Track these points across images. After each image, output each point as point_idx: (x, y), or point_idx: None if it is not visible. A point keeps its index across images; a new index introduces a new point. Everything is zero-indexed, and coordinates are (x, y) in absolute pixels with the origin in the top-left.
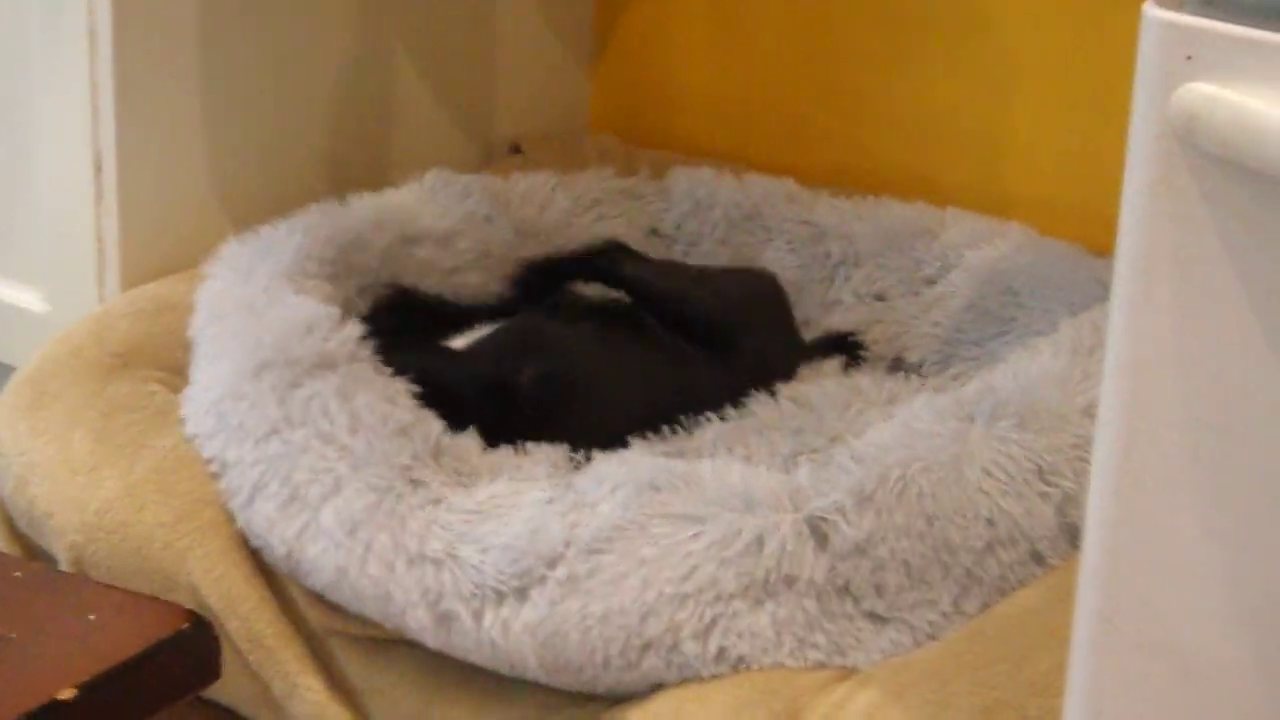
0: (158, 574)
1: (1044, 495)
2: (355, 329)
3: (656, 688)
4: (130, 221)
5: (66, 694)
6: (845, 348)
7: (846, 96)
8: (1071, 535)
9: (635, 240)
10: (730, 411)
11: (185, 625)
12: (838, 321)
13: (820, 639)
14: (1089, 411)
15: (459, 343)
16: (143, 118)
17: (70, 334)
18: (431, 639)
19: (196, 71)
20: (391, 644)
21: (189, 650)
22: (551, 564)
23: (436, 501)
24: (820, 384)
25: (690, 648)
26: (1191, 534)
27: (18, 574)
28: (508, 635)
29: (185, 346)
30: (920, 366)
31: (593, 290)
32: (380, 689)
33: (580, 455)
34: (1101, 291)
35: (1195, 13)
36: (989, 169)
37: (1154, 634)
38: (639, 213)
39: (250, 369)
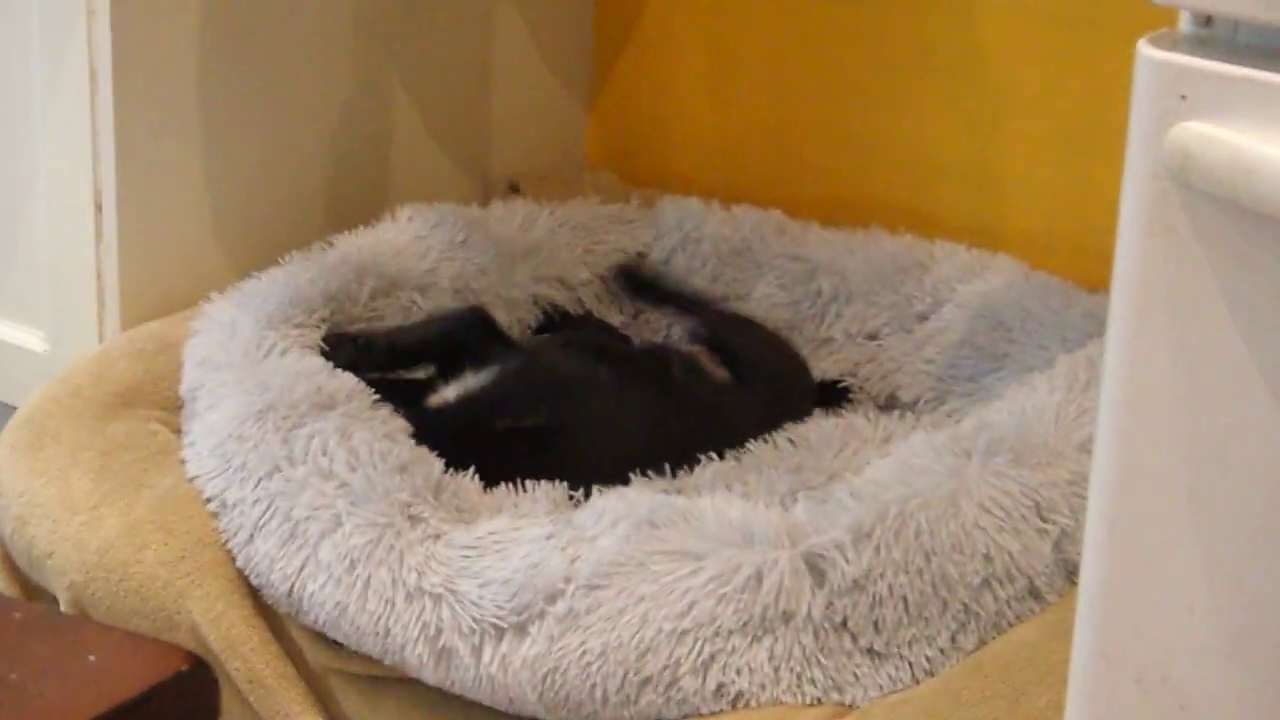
0: (158, 614)
1: (1041, 531)
2: (350, 378)
3: None
4: (130, 260)
5: None
6: (834, 396)
7: (840, 132)
8: (1069, 571)
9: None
10: (728, 451)
11: (185, 666)
12: (830, 361)
13: (818, 675)
14: (1085, 447)
15: (459, 386)
16: (142, 158)
17: (70, 373)
18: (431, 675)
19: (196, 112)
20: (391, 682)
21: (188, 691)
22: (551, 599)
23: (435, 537)
24: (817, 423)
25: (689, 684)
26: (1188, 569)
27: (18, 615)
28: (507, 671)
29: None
30: (915, 404)
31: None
32: None
33: (579, 494)
34: (1094, 327)
35: (1190, 52)
36: (980, 203)
37: (1151, 669)
38: (628, 239)
39: (254, 412)
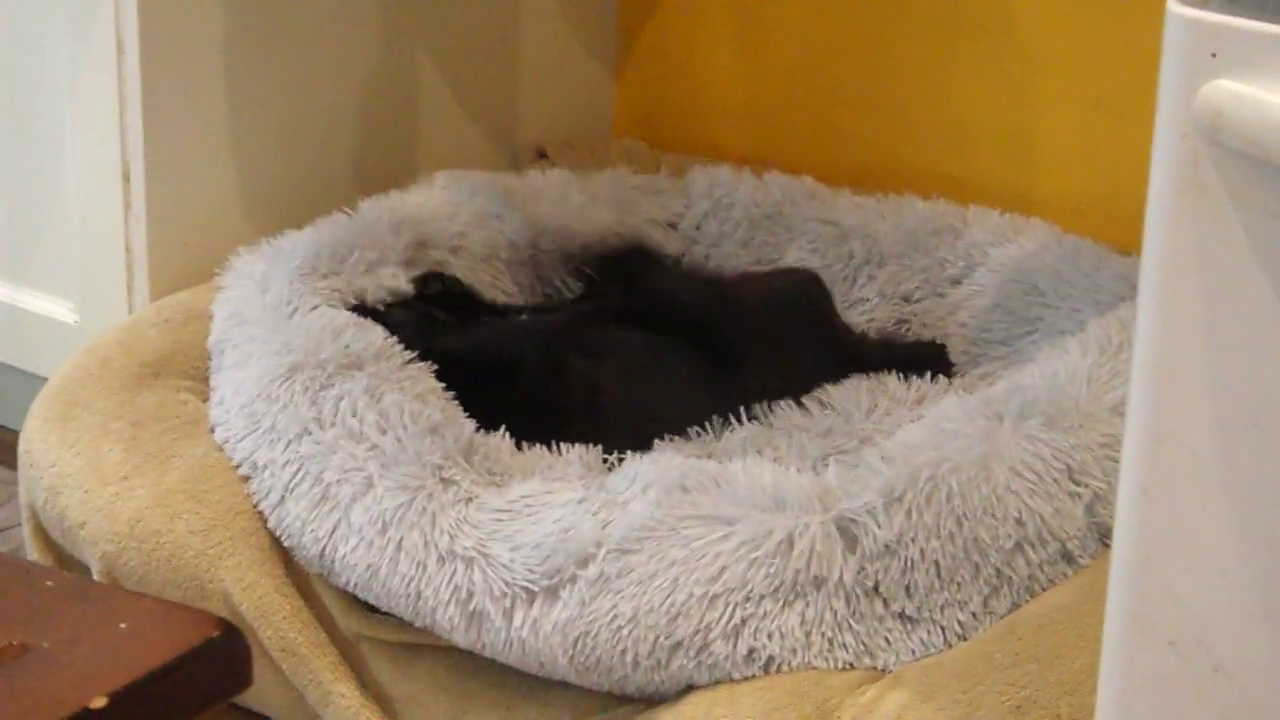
0: (190, 583)
1: (1073, 495)
2: (380, 332)
3: (687, 688)
4: (158, 231)
5: (99, 702)
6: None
7: (870, 98)
8: (1102, 534)
9: (655, 236)
10: (760, 414)
11: (216, 633)
12: (863, 325)
13: (849, 640)
14: (1118, 410)
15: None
16: (170, 128)
17: (99, 344)
18: (462, 638)
19: (222, 82)
20: (423, 650)
21: (220, 658)
22: (582, 563)
23: (468, 500)
24: (847, 386)
25: (720, 648)
26: (1221, 532)
27: (50, 583)
28: (538, 635)
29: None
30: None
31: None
32: (412, 694)
33: (613, 457)
34: (1127, 289)
35: (1219, 10)
36: (1012, 167)
37: (1185, 632)
38: (659, 209)
39: (281, 372)
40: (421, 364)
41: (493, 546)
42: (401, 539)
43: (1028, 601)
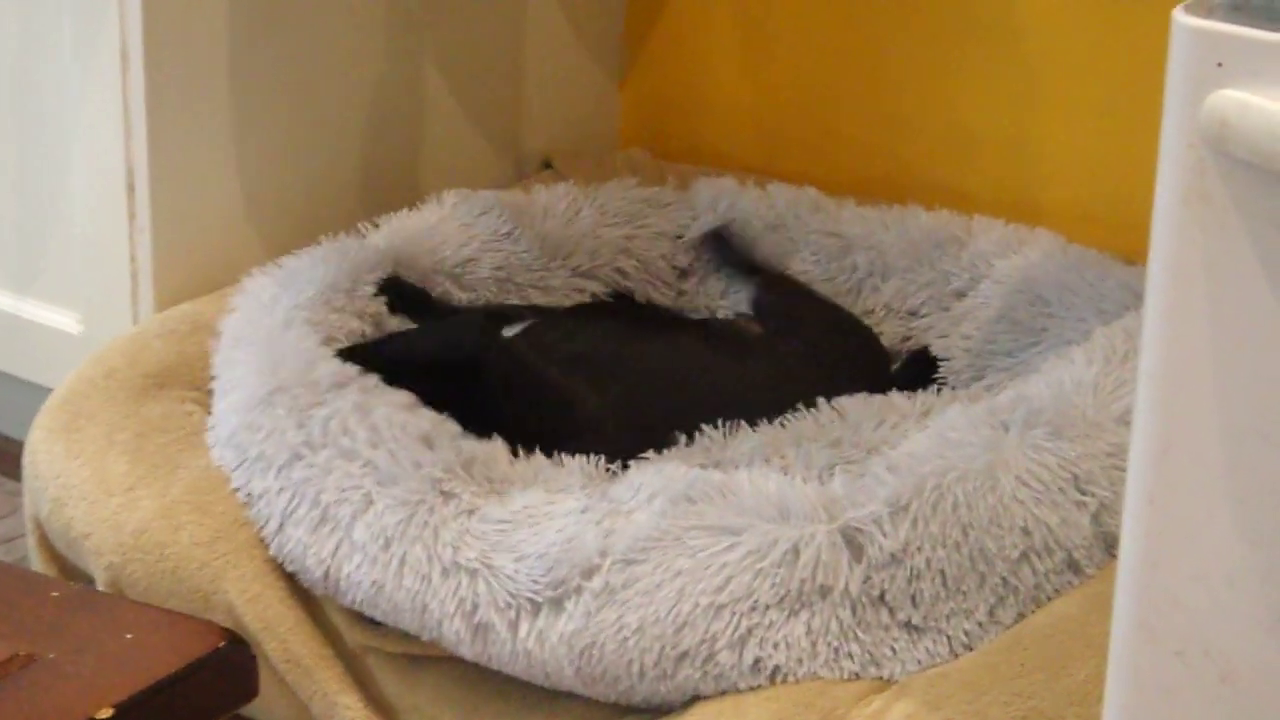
0: (195, 594)
1: (1079, 504)
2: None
3: (693, 698)
4: (163, 241)
5: (104, 713)
6: (924, 366)
7: (875, 107)
8: (1108, 543)
9: (663, 250)
10: (765, 424)
11: (222, 644)
12: None
13: (855, 649)
14: (1123, 419)
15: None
16: (175, 138)
17: (104, 355)
18: (468, 650)
19: (227, 91)
20: (428, 661)
21: (226, 668)
22: (587, 574)
23: (469, 512)
24: (855, 397)
25: (726, 658)
26: (1228, 541)
27: (56, 594)
28: (543, 646)
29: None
30: (954, 380)
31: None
32: (417, 706)
33: (615, 466)
34: (1132, 299)
35: (1225, 19)
36: (1017, 177)
37: (1192, 641)
38: (666, 222)
39: (261, 397)
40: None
41: (496, 558)
42: (405, 554)
43: (1034, 611)
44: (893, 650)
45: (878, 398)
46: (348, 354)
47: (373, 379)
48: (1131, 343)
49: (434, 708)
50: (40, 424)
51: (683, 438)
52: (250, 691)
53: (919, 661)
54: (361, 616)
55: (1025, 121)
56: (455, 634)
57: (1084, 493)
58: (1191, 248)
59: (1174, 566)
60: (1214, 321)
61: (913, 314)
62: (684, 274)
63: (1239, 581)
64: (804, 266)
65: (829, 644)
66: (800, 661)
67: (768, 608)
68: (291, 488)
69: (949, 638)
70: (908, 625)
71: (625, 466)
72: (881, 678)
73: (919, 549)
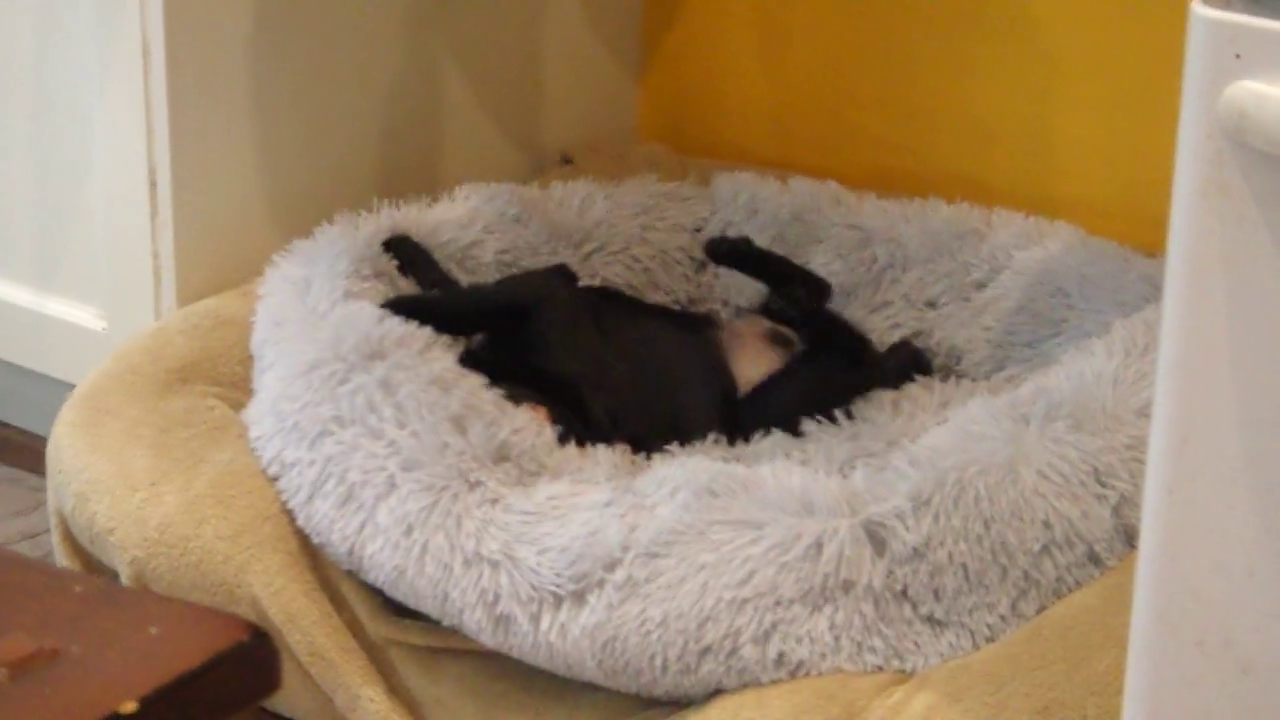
0: (219, 588)
1: (1100, 497)
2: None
3: (715, 692)
4: (185, 237)
5: (128, 707)
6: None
7: (892, 101)
8: (1128, 536)
9: (681, 241)
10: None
11: (245, 637)
12: (888, 328)
13: (878, 643)
14: (1143, 412)
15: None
16: (196, 133)
17: (127, 351)
18: (489, 640)
19: (248, 87)
20: (451, 654)
21: (250, 661)
22: (609, 567)
23: (494, 501)
24: (870, 397)
25: (749, 653)
26: (1248, 531)
27: (79, 588)
28: (565, 639)
29: (241, 361)
30: (974, 371)
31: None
32: (440, 698)
33: (641, 456)
34: (1152, 291)
35: (1243, 11)
36: (1036, 170)
37: (1212, 632)
38: (686, 215)
39: (301, 368)
40: (446, 343)
41: (519, 549)
42: (427, 542)
43: (1055, 604)
44: (916, 644)
45: (895, 389)
46: (399, 305)
47: (416, 347)
48: (1151, 335)
49: (457, 700)
50: (64, 420)
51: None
52: (274, 684)
53: (941, 655)
54: (385, 608)
55: (1044, 115)
56: (476, 624)
57: (1105, 485)
58: (1210, 239)
59: (1194, 558)
60: (1233, 313)
61: (932, 305)
62: (701, 266)
63: (1259, 572)
64: (825, 259)
65: (852, 638)
66: (824, 656)
67: (791, 602)
68: (321, 461)
69: (971, 631)
70: (930, 619)
71: (648, 452)
72: (904, 671)
73: (941, 543)
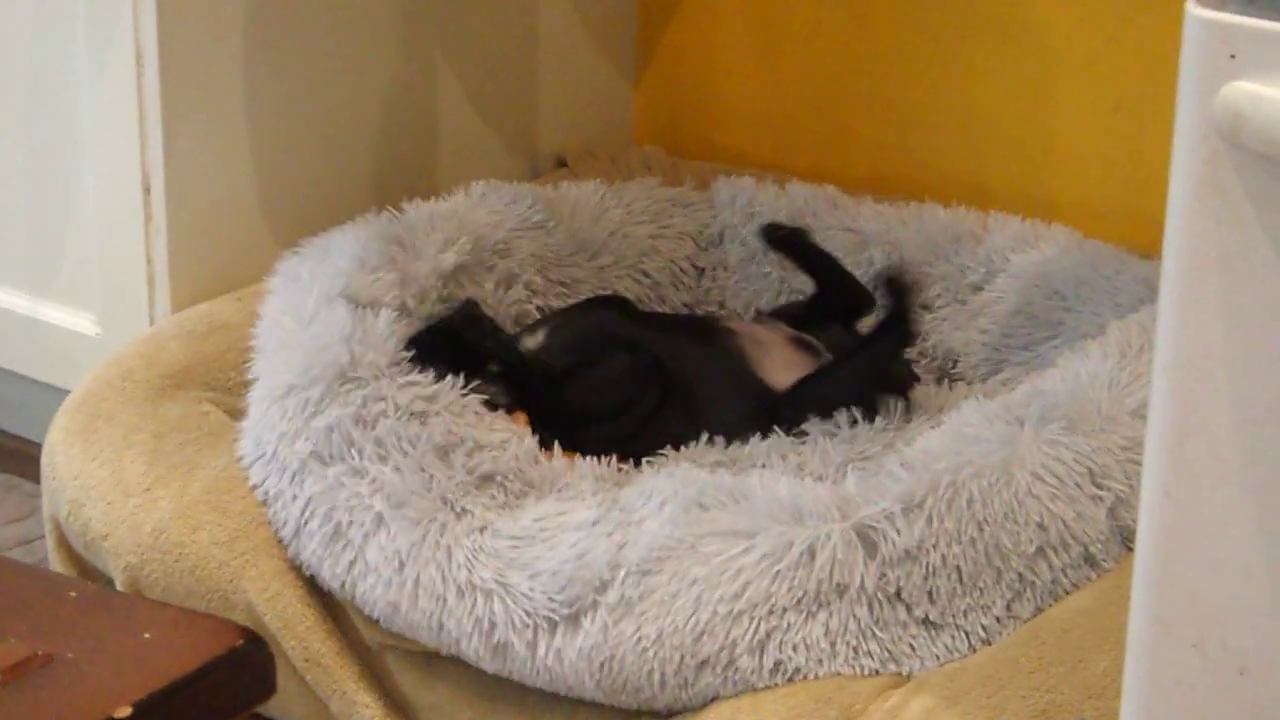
0: (214, 594)
1: (1095, 498)
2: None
3: (713, 700)
4: (179, 242)
5: (123, 712)
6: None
7: (888, 103)
8: (1124, 537)
9: (687, 250)
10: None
11: (240, 642)
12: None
13: (874, 647)
14: (1139, 413)
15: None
16: (190, 139)
17: (121, 356)
18: (488, 666)
19: (242, 92)
20: (447, 659)
21: (244, 666)
22: (601, 589)
23: (482, 529)
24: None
25: (746, 663)
26: (1245, 533)
27: (74, 594)
28: (563, 662)
29: (236, 366)
30: (970, 374)
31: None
32: (436, 704)
33: (629, 465)
34: (1148, 293)
35: (1238, 11)
36: (1032, 172)
37: (1209, 634)
38: (690, 221)
39: (278, 392)
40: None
41: (511, 575)
42: (419, 575)
43: (1051, 606)
44: (911, 647)
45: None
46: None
47: (384, 363)
48: (1146, 336)
49: (452, 705)
50: (58, 425)
51: (704, 435)
52: (268, 690)
53: (938, 658)
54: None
55: (1040, 118)
56: (474, 652)
57: (1100, 487)
58: (1206, 240)
59: (1191, 559)
60: (1229, 313)
61: (928, 308)
62: (702, 273)
63: (1256, 573)
64: None
65: (848, 643)
66: (820, 662)
67: (785, 610)
68: (304, 498)
69: (967, 633)
70: (925, 621)
71: (637, 461)
72: (901, 674)
73: (934, 545)
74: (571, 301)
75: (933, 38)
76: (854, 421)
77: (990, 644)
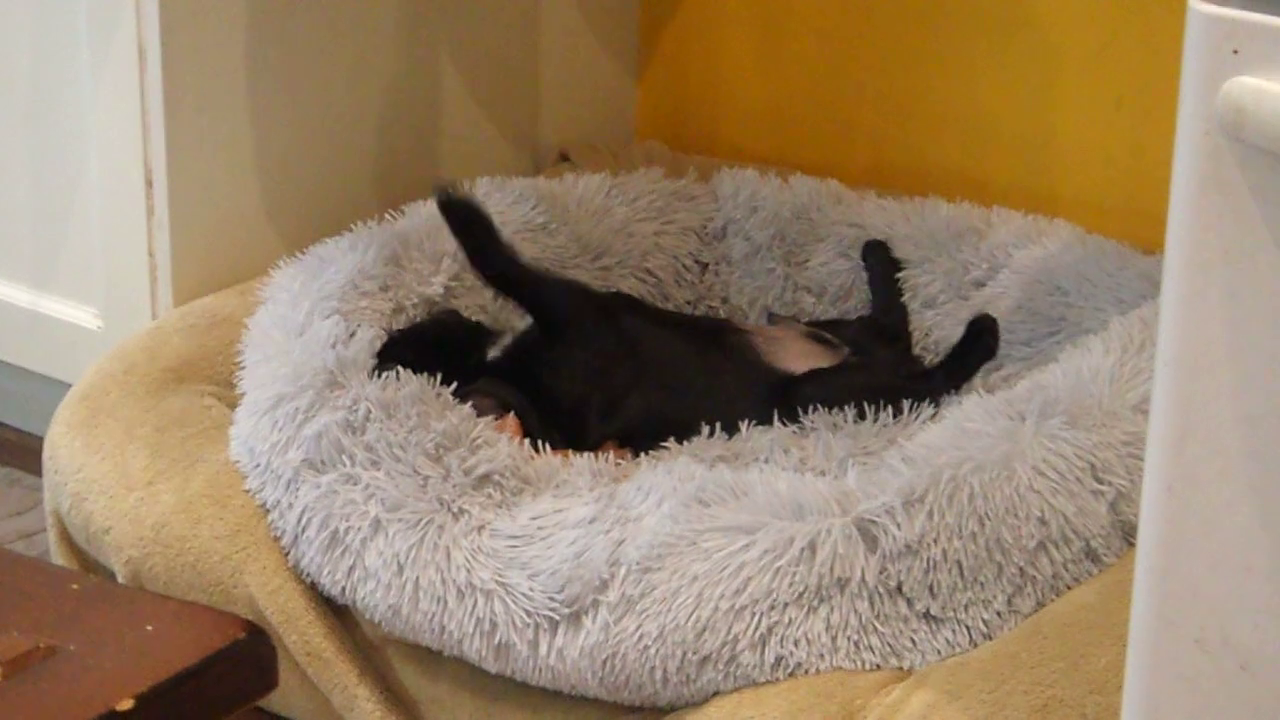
0: (215, 588)
1: (1097, 493)
2: (369, 344)
3: (715, 695)
4: (181, 236)
5: (125, 704)
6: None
7: (890, 98)
8: (1126, 532)
9: (690, 245)
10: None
11: (242, 635)
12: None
13: (875, 642)
14: (1140, 408)
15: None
16: (192, 132)
17: (123, 350)
18: (491, 666)
19: (244, 86)
20: (448, 655)
21: (246, 660)
22: (601, 588)
23: (479, 528)
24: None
25: (748, 658)
26: (1246, 528)
27: (75, 586)
28: (565, 661)
29: (238, 361)
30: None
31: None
32: (437, 698)
33: (624, 457)
34: (1150, 289)
35: (1241, 6)
36: (1034, 168)
37: (1211, 629)
38: (694, 215)
39: (267, 403)
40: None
41: (510, 575)
42: (418, 578)
43: (1053, 600)
44: (912, 641)
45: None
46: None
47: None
48: (1148, 331)
49: (453, 699)
50: (60, 419)
51: (705, 429)
52: (270, 683)
53: (939, 652)
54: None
55: (1042, 113)
56: (476, 653)
57: (1101, 481)
58: (1209, 235)
59: (1192, 555)
60: (1231, 309)
61: (930, 304)
62: (705, 268)
63: (1258, 569)
64: (825, 257)
65: (849, 638)
66: (822, 656)
67: (786, 605)
68: (299, 506)
69: (968, 628)
70: (926, 615)
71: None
72: (902, 668)
73: (935, 540)
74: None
75: (935, 32)
76: (860, 416)
77: (991, 639)
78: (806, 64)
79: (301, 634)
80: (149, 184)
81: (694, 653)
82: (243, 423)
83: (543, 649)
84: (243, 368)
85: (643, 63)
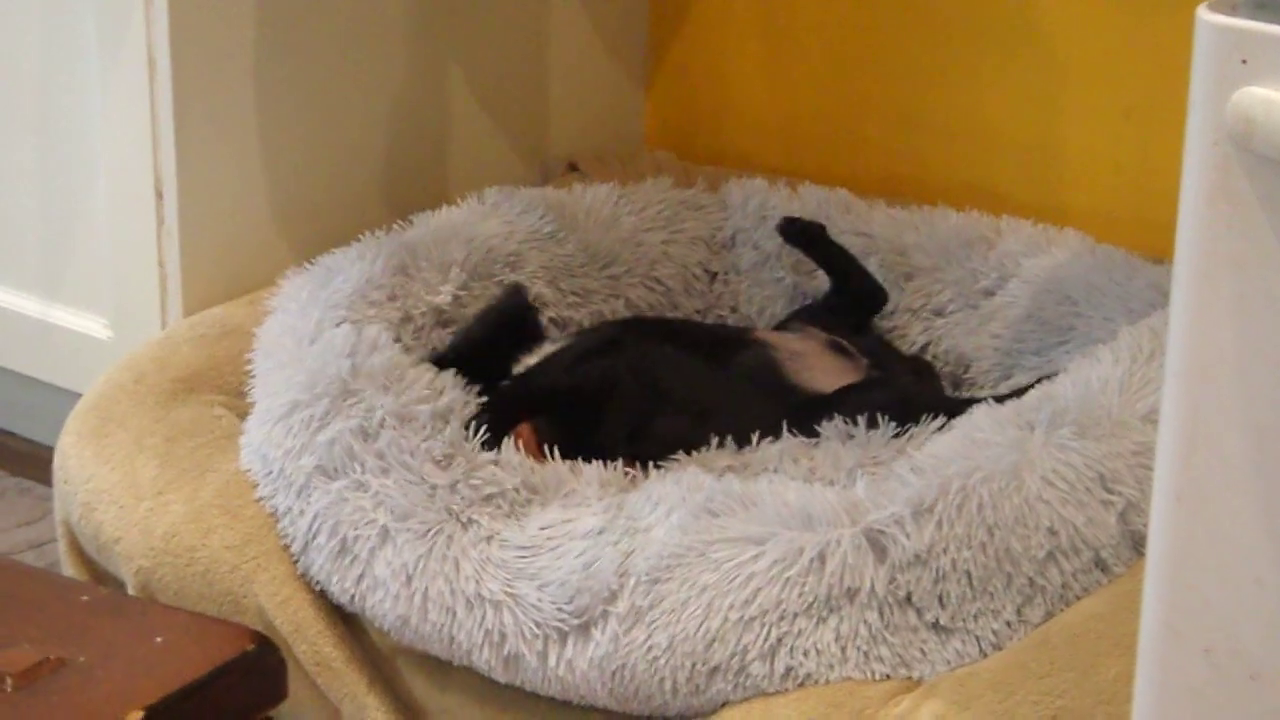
0: (225, 598)
1: (1106, 503)
2: (387, 352)
3: (724, 706)
4: (191, 246)
5: (134, 716)
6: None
7: (899, 109)
8: (1135, 542)
9: (700, 255)
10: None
11: (251, 646)
12: (895, 336)
13: (885, 652)
14: (1150, 418)
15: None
16: (202, 143)
17: (133, 360)
18: (500, 677)
19: (254, 97)
20: (458, 665)
21: (255, 671)
22: (610, 599)
23: (488, 539)
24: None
25: (757, 669)
26: (1256, 539)
27: (85, 598)
28: (574, 672)
29: (248, 370)
30: (981, 379)
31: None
32: (447, 708)
33: (634, 470)
34: (1160, 298)
35: (1250, 16)
36: (1043, 178)
37: (1220, 641)
38: (703, 225)
39: (280, 411)
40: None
41: (519, 586)
42: (427, 588)
43: (1062, 610)
44: (922, 652)
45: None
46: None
47: (383, 380)
48: (1157, 341)
49: (464, 709)
50: (70, 429)
51: (714, 439)
52: (280, 694)
53: (948, 662)
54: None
55: (1051, 122)
56: (486, 664)
57: (1110, 492)
58: (1218, 246)
59: (1202, 565)
60: (1240, 319)
61: (939, 313)
62: (714, 278)
63: (1267, 579)
64: None
65: (858, 648)
66: (831, 667)
67: (796, 616)
68: (310, 512)
69: (977, 638)
70: (936, 626)
71: (644, 464)
72: (911, 678)
73: (944, 549)
74: (583, 312)
75: (944, 43)
76: (873, 425)
77: (1001, 649)
78: (815, 74)
79: (311, 643)
80: (159, 194)
81: (703, 663)
82: (255, 430)
83: (552, 660)
84: (253, 376)
85: (652, 73)
